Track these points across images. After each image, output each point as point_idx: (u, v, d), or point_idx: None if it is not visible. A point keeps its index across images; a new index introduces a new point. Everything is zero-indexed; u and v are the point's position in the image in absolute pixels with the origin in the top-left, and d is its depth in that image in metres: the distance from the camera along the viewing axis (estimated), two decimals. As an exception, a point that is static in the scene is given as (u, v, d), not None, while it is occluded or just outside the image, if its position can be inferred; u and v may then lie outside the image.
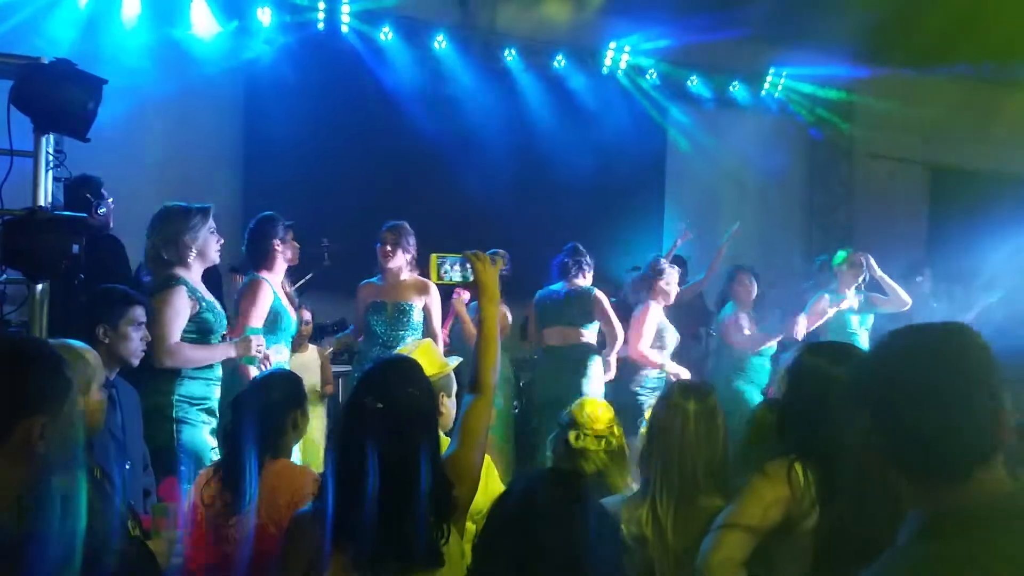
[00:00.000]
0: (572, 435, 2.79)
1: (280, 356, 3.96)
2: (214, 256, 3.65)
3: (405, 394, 1.96)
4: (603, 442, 2.76)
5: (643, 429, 2.53)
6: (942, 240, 9.25)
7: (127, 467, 2.73)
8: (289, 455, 2.72)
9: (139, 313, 2.99)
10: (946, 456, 1.19)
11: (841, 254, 6.04)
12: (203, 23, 6.47)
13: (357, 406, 1.96)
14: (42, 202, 3.15)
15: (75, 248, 3.00)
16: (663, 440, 2.38)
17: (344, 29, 6.91)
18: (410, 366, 2.11)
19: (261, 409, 2.58)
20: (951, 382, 1.20)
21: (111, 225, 4.47)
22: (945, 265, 7.24)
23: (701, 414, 2.38)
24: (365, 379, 2.05)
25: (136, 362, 2.99)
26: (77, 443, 1.52)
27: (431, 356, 2.90)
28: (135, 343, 2.96)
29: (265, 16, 6.61)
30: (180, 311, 3.39)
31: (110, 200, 4.43)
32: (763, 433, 2.46)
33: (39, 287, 3.10)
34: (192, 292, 3.47)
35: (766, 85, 8.57)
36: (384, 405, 1.93)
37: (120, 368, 2.96)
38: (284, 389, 2.72)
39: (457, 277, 2.36)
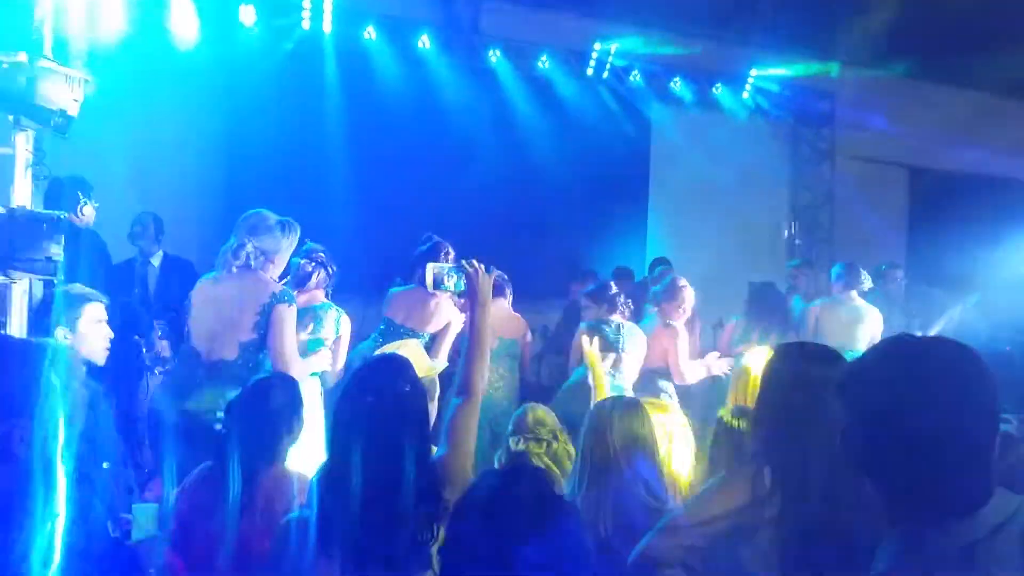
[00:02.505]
0: (513, 440, 2.83)
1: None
2: (281, 269, 3.77)
3: (396, 390, 1.97)
4: (544, 445, 2.80)
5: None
6: (921, 242, 9.37)
7: (104, 467, 2.69)
8: (284, 460, 2.71)
9: (98, 310, 2.92)
10: (956, 499, 1.18)
11: (794, 262, 6.33)
12: (185, 22, 6.43)
13: (349, 402, 1.97)
14: (20, 200, 3.12)
15: (54, 247, 2.96)
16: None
17: (327, 29, 6.88)
18: (402, 363, 2.11)
19: (258, 414, 2.57)
20: (968, 425, 1.19)
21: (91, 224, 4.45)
22: (924, 266, 7.32)
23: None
24: (357, 376, 2.05)
25: (102, 361, 2.94)
26: (57, 443, 1.50)
27: (416, 359, 2.90)
28: (97, 341, 2.90)
29: (248, 15, 6.57)
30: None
31: (95, 202, 4.41)
32: (730, 438, 2.48)
33: (16, 286, 3.07)
34: None
35: (748, 87, 8.63)
36: (375, 400, 1.93)
37: (87, 368, 2.90)
38: (281, 394, 2.70)
39: (453, 286, 2.40)
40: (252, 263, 3.47)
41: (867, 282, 5.87)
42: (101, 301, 2.97)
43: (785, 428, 1.99)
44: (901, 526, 1.22)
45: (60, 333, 2.82)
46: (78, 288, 2.99)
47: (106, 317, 2.96)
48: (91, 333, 2.88)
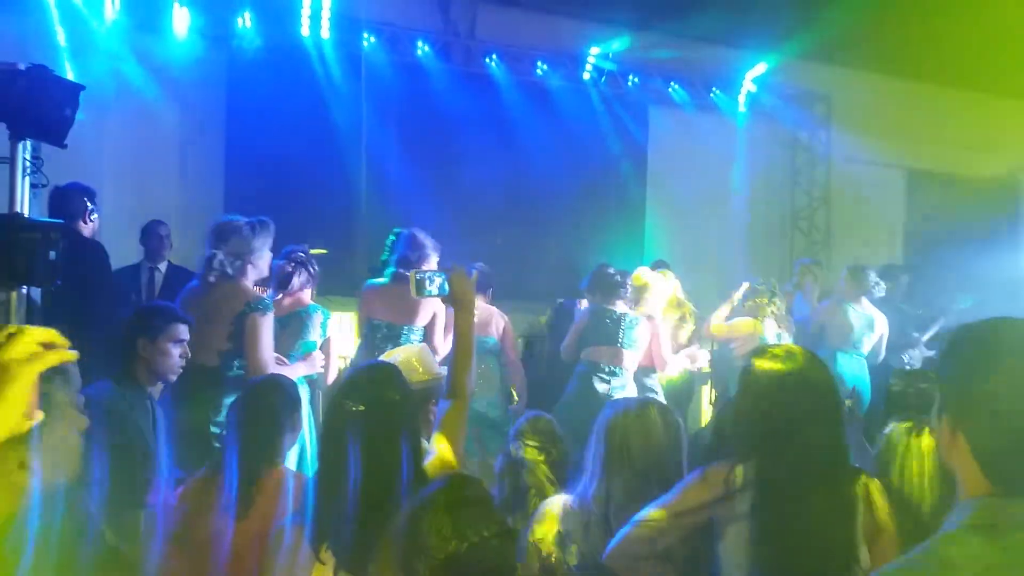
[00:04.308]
0: (514, 447, 2.85)
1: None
2: (265, 269, 3.72)
3: (386, 398, 1.99)
4: (544, 454, 2.81)
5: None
6: (918, 243, 9.38)
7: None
8: (284, 460, 2.73)
9: (181, 330, 3.04)
10: None
11: (804, 260, 6.61)
12: (183, 28, 6.46)
13: (339, 409, 1.99)
14: (19, 208, 3.14)
15: (52, 254, 2.98)
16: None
17: (325, 35, 6.91)
18: (391, 371, 2.14)
19: (258, 415, 2.59)
20: None
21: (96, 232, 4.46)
22: (921, 268, 7.32)
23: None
24: (348, 383, 2.07)
25: (173, 378, 3.04)
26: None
27: (423, 362, 2.94)
28: (173, 359, 3.01)
29: (246, 22, 6.60)
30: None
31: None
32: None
33: (15, 294, 3.08)
34: None
35: (745, 91, 8.65)
36: (366, 408, 1.95)
37: (159, 383, 3.00)
38: (280, 394, 2.73)
39: (435, 291, 2.43)
40: (229, 270, 3.48)
41: (879, 289, 5.89)
42: (186, 323, 3.08)
43: (763, 427, 2.04)
44: (975, 498, 1.24)
45: (139, 344, 2.94)
46: (167, 306, 3.10)
47: (187, 338, 3.08)
48: (170, 351, 2.99)
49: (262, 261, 3.63)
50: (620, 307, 5.03)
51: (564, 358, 5.17)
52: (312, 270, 4.04)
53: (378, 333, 4.37)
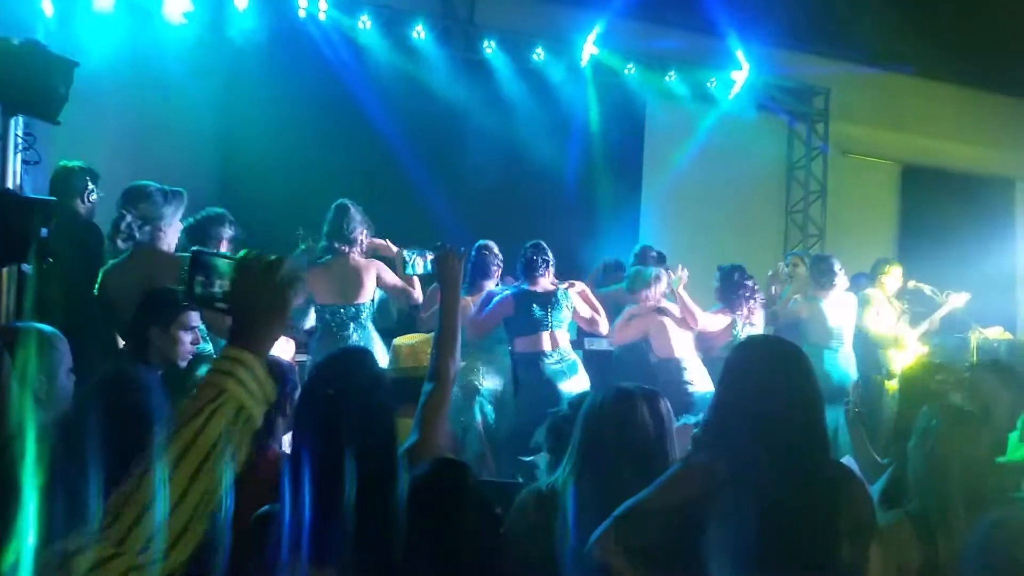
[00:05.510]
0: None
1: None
2: (173, 242, 3.66)
3: (357, 383, 1.96)
4: None
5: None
6: (912, 237, 9.41)
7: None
8: (280, 443, 2.71)
9: (192, 317, 3.05)
10: None
11: (794, 250, 6.67)
12: (180, 8, 6.40)
13: (311, 396, 1.96)
14: (10, 185, 3.12)
15: (43, 232, 2.96)
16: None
17: (322, 17, 6.86)
18: (362, 354, 2.11)
19: None
20: None
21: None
22: (914, 262, 7.33)
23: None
24: (318, 368, 2.04)
25: (184, 364, 3.05)
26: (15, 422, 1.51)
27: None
28: (185, 346, 3.02)
29: (242, 3, 6.55)
30: None
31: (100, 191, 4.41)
32: None
33: (6, 270, 3.07)
34: None
35: (743, 82, 8.62)
36: (336, 392, 1.92)
37: (164, 369, 3.00)
38: (273, 376, 2.71)
39: (421, 270, 2.42)
40: (137, 235, 3.45)
41: (841, 279, 5.77)
42: (196, 310, 3.08)
43: (744, 421, 2.02)
44: None
45: (152, 333, 2.95)
46: (176, 293, 3.10)
47: (199, 324, 3.10)
48: (182, 338, 3.01)
49: (171, 230, 3.60)
50: (542, 285, 4.80)
51: (470, 330, 4.66)
52: (232, 231, 4.03)
53: (326, 315, 4.32)
